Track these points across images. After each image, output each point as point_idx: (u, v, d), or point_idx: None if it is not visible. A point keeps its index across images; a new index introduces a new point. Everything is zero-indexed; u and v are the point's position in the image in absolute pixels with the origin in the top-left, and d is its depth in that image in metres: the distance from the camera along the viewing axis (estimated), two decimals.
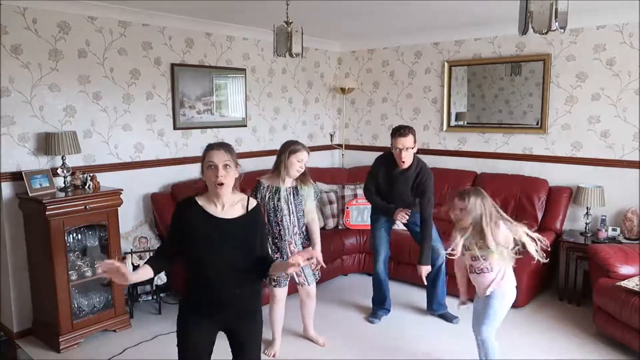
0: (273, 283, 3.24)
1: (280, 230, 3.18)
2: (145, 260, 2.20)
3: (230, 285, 2.15)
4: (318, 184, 3.57)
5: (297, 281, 3.29)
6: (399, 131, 3.46)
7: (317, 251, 3.25)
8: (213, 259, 2.13)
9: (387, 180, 3.66)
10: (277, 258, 3.19)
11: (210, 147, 2.19)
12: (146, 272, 2.15)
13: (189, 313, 2.22)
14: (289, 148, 3.12)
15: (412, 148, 3.49)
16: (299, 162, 3.12)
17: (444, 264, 3.78)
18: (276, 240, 3.20)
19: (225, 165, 2.13)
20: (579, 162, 4.42)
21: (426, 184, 3.55)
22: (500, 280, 2.82)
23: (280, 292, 3.29)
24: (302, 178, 3.21)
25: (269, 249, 3.20)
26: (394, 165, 3.59)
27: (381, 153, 3.82)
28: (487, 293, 2.82)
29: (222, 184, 2.12)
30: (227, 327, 2.25)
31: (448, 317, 3.85)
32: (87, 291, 3.64)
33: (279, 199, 3.15)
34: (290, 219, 3.18)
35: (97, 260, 3.64)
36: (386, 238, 3.84)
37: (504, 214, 2.83)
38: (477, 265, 2.81)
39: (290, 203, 3.18)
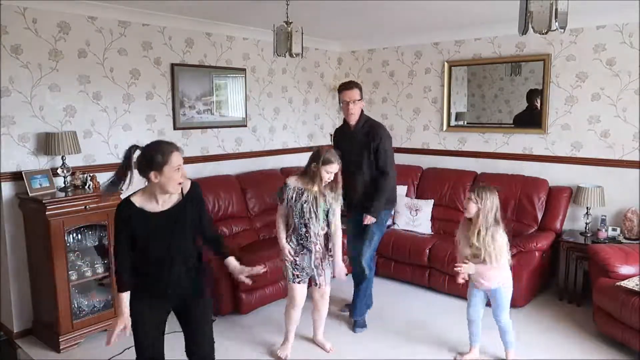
0: (297, 279, 3.19)
1: (306, 231, 3.14)
2: (120, 286, 2.28)
3: (175, 267, 2.27)
4: None
5: (317, 281, 3.23)
6: (344, 85, 3.64)
7: (337, 263, 3.22)
8: (157, 250, 2.25)
9: (342, 142, 3.69)
10: (299, 255, 3.17)
11: (174, 149, 2.21)
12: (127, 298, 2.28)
13: (140, 297, 2.30)
14: (322, 158, 3.05)
15: (359, 101, 3.58)
16: (328, 174, 3.07)
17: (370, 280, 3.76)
18: (302, 241, 3.16)
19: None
20: (579, 162, 4.42)
21: (380, 147, 3.52)
22: (499, 275, 3.03)
23: (301, 292, 3.22)
24: (332, 185, 3.15)
25: (293, 247, 3.18)
26: (344, 126, 3.76)
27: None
28: (493, 286, 3.06)
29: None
30: (177, 305, 2.37)
31: (358, 324, 3.74)
32: (87, 291, 3.64)
33: (306, 202, 3.10)
34: (316, 222, 3.13)
35: (97, 260, 3.64)
36: (352, 231, 3.74)
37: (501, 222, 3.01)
38: (475, 261, 3.01)
39: (318, 207, 3.11)
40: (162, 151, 2.19)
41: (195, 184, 2.38)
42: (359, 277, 3.74)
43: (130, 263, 2.27)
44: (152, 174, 2.18)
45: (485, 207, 2.90)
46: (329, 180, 3.11)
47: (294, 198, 3.11)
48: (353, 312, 3.78)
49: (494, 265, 2.95)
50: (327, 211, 3.15)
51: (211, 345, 2.44)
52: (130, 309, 2.29)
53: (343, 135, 3.76)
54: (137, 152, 2.23)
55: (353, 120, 3.63)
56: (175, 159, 2.19)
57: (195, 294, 2.37)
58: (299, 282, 3.20)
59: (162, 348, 2.38)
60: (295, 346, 3.41)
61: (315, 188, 3.11)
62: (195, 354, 2.40)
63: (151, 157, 2.17)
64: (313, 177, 3.08)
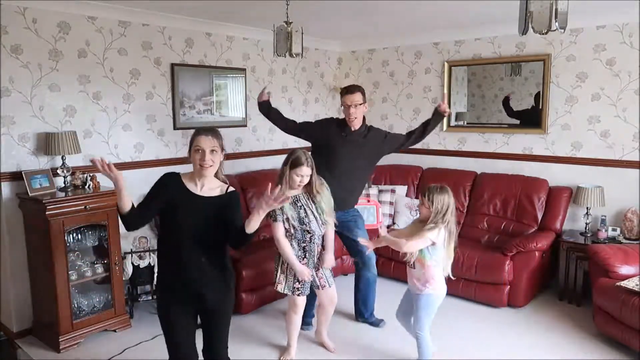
0: (297, 292, 3.14)
1: (311, 236, 3.08)
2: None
3: (197, 254, 2.28)
4: None
5: (319, 284, 3.19)
6: (348, 89, 3.53)
7: (328, 253, 3.20)
8: (185, 228, 2.26)
9: (334, 141, 3.53)
10: (304, 263, 3.12)
11: (199, 133, 2.32)
12: (129, 203, 2.22)
13: (166, 295, 2.38)
14: (290, 161, 3.00)
15: (362, 105, 3.50)
16: (298, 177, 2.99)
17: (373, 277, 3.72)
18: (304, 244, 3.11)
19: (212, 151, 2.28)
20: (579, 162, 4.42)
21: (387, 133, 3.70)
22: (426, 282, 2.90)
23: (302, 301, 3.20)
24: (307, 188, 3.08)
25: (296, 255, 3.13)
26: (344, 127, 3.58)
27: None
28: (416, 291, 2.95)
29: (209, 167, 2.29)
30: (199, 305, 2.35)
31: (375, 323, 3.76)
32: (87, 291, 3.64)
33: (301, 206, 3.06)
34: (317, 224, 3.09)
35: (97, 260, 3.64)
36: (349, 232, 3.61)
37: (452, 226, 2.85)
38: (409, 259, 2.94)
39: (311, 207, 3.08)
40: (195, 132, 2.34)
41: (236, 191, 2.44)
42: (369, 278, 3.71)
43: (141, 215, 2.31)
44: (189, 154, 2.36)
45: (436, 209, 2.80)
46: (301, 185, 3.02)
47: (290, 209, 3.04)
48: (365, 313, 3.79)
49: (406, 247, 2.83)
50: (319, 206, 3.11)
51: (225, 349, 2.52)
52: (158, 309, 2.41)
53: (341, 135, 3.56)
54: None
55: (356, 125, 3.54)
56: (197, 140, 2.29)
57: (215, 290, 2.36)
58: (298, 295, 3.16)
59: (192, 346, 2.43)
60: (298, 346, 3.40)
61: (294, 192, 3.05)
62: (209, 356, 2.49)
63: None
64: (285, 183, 3.00)
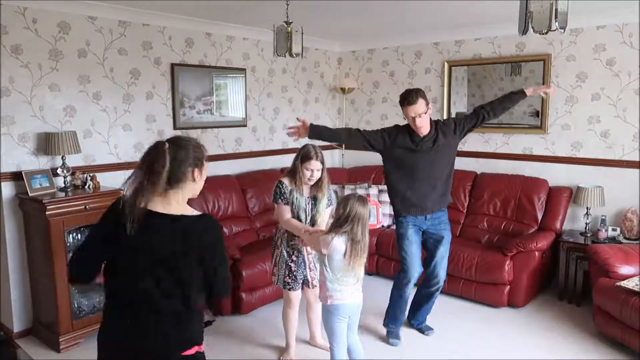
0: (287, 287, 3.14)
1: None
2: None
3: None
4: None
5: (314, 284, 3.16)
6: (407, 99, 3.16)
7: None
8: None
9: (407, 156, 3.29)
10: (293, 261, 3.11)
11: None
12: None
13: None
14: (300, 155, 2.98)
15: (427, 112, 3.18)
16: (308, 172, 2.97)
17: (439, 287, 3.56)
18: (292, 242, 3.11)
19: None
20: (579, 162, 4.42)
21: (455, 122, 3.39)
22: (320, 290, 2.79)
23: (295, 296, 3.18)
24: (317, 186, 3.06)
25: (285, 252, 3.10)
26: (413, 135, 3.28)
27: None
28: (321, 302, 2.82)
29: None
30: None
31: (423, 330, 3.66)
32: (87, 291, 3.64)
33: (299, 205, 3.05)
34: (309, 223, 3.07)
35: None
36: (418, 253, 3.36)
37: (358, 236, 2.61)
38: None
39: (308, 213, 3.08)
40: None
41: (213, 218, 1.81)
42: (433, 287, 3.51)
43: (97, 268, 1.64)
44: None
45: (337, 216, 2.67)
46: (312, 179, 2.99)
47: (291, 200, 3.04)
48: (418, 320, 3.68)
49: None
50: (316, 210, 3.09)
51: None
52: None
53: (411, 148, 3.29)
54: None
55: (425, 131, 3.27)
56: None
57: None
58: (289, 290, 3.15)
59: None
60: (298, 347, 3.40)
61: (306, 190, 3.05)
62: None
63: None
64: (299, 178, 2.99)
